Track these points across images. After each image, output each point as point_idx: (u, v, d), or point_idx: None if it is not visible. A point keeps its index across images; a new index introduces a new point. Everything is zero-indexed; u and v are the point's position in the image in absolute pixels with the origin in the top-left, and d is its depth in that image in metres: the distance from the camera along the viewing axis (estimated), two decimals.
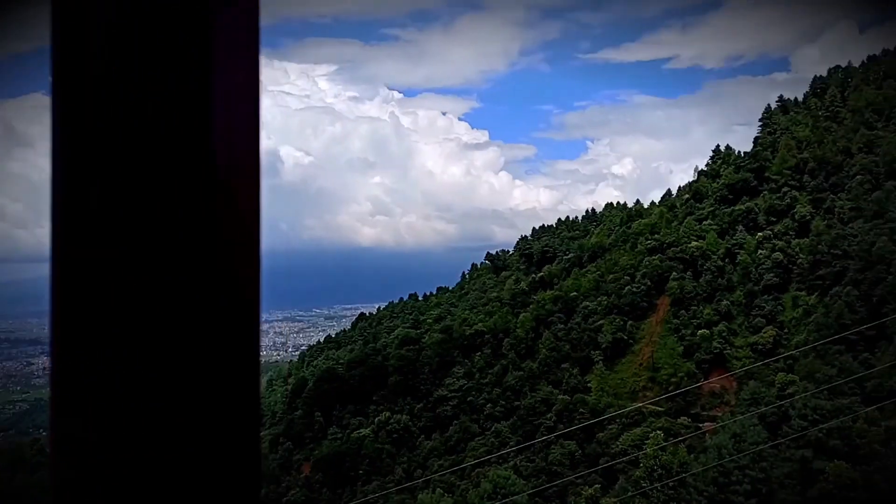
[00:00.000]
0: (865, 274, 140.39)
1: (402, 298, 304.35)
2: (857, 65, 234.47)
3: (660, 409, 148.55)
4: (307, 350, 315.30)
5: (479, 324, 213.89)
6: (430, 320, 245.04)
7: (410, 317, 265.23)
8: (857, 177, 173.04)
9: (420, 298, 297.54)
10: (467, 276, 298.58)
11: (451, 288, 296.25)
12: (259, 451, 1.56)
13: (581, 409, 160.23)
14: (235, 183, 1.45)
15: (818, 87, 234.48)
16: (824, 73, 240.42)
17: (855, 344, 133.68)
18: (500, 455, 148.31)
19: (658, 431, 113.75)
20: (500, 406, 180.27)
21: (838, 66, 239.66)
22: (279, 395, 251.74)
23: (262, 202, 1.59)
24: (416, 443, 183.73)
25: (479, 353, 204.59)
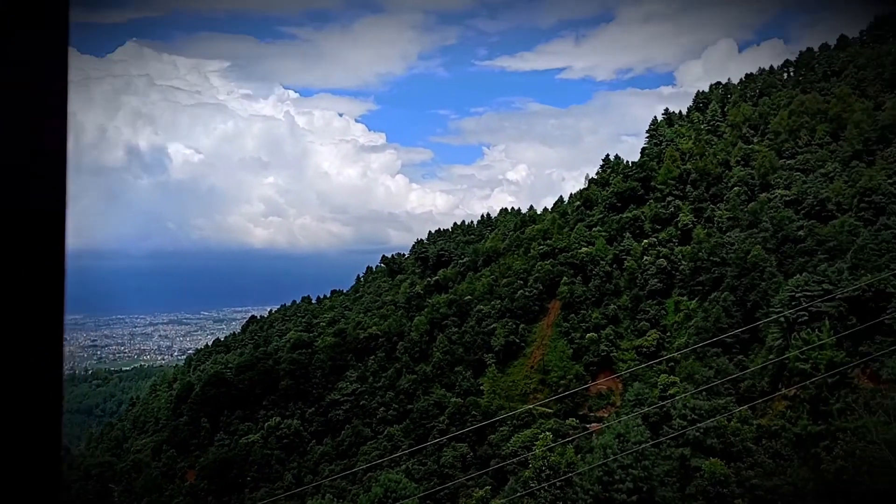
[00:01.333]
0: (741, 280, 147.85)
1: (294, 301, 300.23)
2: (735, 82, 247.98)
3: (549, 410, 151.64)
4: (194, 354, 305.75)
5: (374, 327, 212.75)
6: (324, 323, 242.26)
7: (303, 320, 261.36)
8: (735, 188, 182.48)
9: (313, 301, 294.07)
10: (362, 279, 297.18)
11: (345, 291, 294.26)
12: (60, 454, 1.50)
13: (473, 412, 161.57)
14: (36, 179, 1.39)
15: (700, 101, 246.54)
16: (706, 89, 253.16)
17: (731, 346, 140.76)
18: (393, 458, 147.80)
19: (547, 433, 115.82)
20: (393, 409, 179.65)
21: (719, 83, 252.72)
22: (163, 400, 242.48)
23: (68, 199, 1.53)
24: (307, 448, 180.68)
25: (372, 357, 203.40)
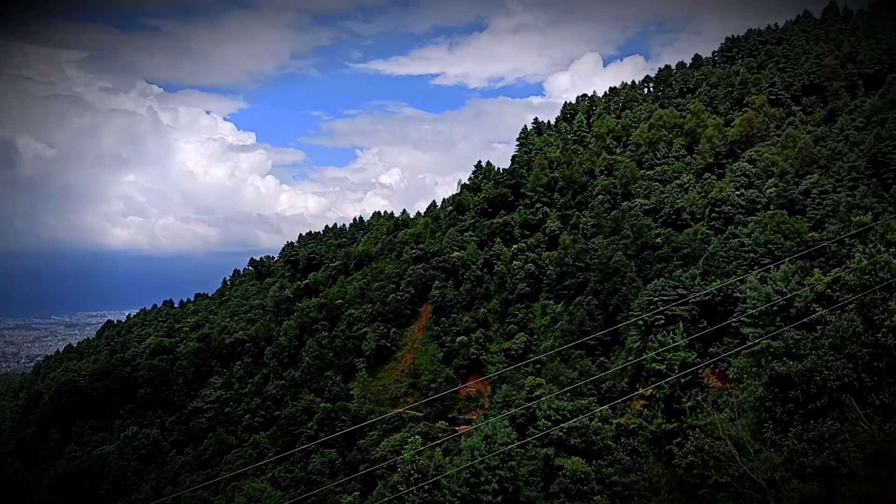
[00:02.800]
0: (604, 285, 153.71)
1: (155, 305, 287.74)
2: (600, 95, 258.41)
3: (419, 414, 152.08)
4: (43, 361, 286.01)
5: (240, 332, 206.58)
6: (187, 328, 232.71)
7: (165, 324, 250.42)
8: (599, 196, 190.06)
9: (176, 305, 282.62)
10: (228, 282, 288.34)
11: (210, 294, 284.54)
12: None
13: (343, 417, 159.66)
14: None
15: (568, 112, 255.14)
16: (573, 100, 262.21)
17: (594, 349, 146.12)
18: (258, 467, 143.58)
19: (417, 436, 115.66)
20: (259, 416, 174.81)
21: (585, 95, 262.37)
22: (8, 411, 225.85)
23: None
24: (167, 458, 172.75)
25: (238, 362, 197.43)
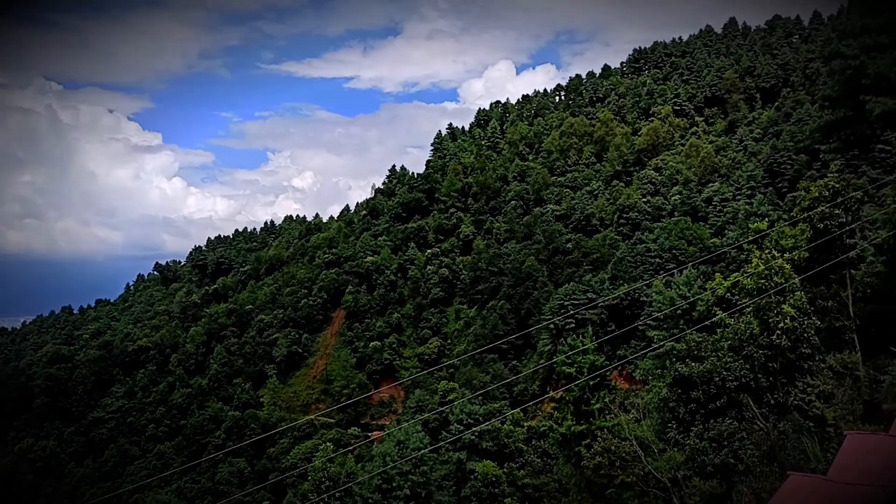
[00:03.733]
0: (516, 289, 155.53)
1: (53, 311, 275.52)
2: (513, 102, 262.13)
3: (331, 420, 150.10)
4: None
5: (144, 339, 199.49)
6: (87, 335, 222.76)
7: (63, 332, 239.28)
8: (512, 202, 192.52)
9: (75, 311, 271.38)
10: (132, 288, 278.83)
11: (112, 300, 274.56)
12: None
13: (252, 425, 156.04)
14: None
15: (482, 118, 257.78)
16: (487, 107, 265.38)
17: (506, 352, 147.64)
18: (163, 478, 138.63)
19: (328, 443, 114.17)
20: (164, 426, 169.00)
21: (498, 102, 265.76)
22: None
23: None
24: (66, 470, 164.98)
25: (142, 371, 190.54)
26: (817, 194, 45.70)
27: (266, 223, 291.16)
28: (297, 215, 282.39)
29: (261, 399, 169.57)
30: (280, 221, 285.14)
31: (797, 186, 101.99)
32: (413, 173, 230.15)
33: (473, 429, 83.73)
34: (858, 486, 20.36)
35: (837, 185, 45.88)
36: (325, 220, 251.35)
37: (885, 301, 45.30)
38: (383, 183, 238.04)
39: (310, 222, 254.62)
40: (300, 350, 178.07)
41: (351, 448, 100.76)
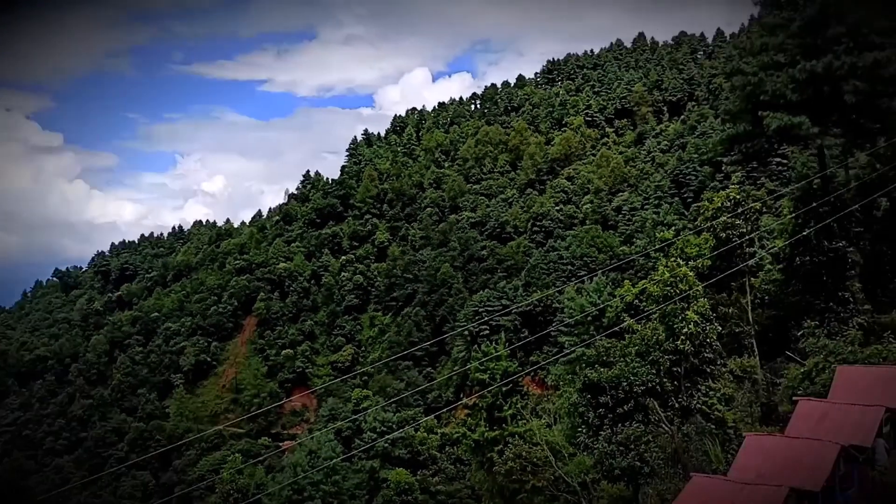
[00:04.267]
0: (431, 296, 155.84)
1: None
2: (430, 109, 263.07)
3: (241, 430, 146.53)
4: None
5: (42, 347, 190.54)
6: None
7: None
8: (428, 209, 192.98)
9: None
10: (30, 295, 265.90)
11: (8, 308, 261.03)
12: None
13: (157, 437, 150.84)
14: None
15: (398, 125, 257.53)
16: (403, 114, 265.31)
17: (420, 359, 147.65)
18: (61, 493, 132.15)
19: (237, 454, 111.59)
20: (62, 439, 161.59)
21: (415, 109, 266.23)
22: None
23: None
24: None
25: (40, 381, 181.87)
26: (720, 204, 47.29)
27: (174, 228, 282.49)
28: (207, 220, 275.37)
29: (167, 410, 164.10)
30: (189, 226, 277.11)
31: (701, 197, 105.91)
32: (328, 179, 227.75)
33: (387, 437, 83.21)
34: (756, 485, 21.02)
35: (738, 196, 47.63)
36: (236, 226, 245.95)
37: (781, 307, 47.31)
38: (297, 188, 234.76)
39: (220, 228, 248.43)
40: (209, 359, 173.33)
41: (261, 459, 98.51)
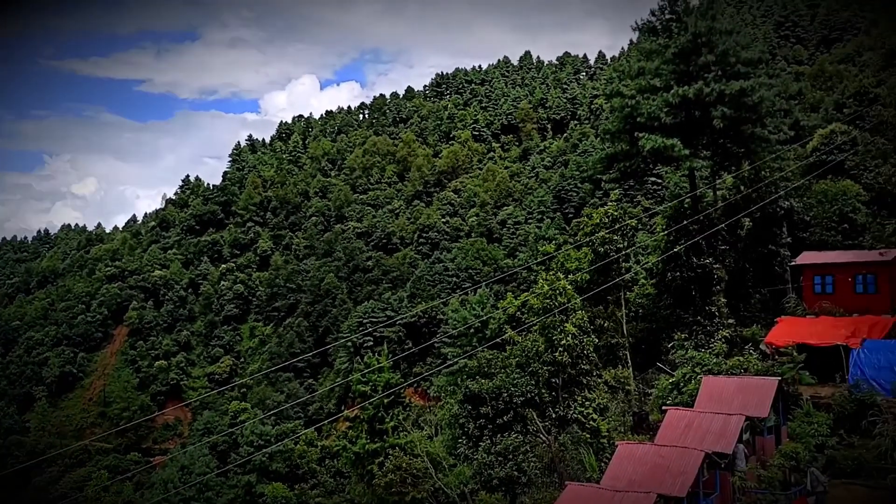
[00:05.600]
0: (315, 306, 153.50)
1: None
2: (317, 117, 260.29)
3: (108, 445, 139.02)
4: None
5: None
6: None
7: None
8: (313, 218, 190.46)
9: None
10: None
11: None
12: None
13: (16, 453, 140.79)
14: None
15: (284, 132, 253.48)
16: (289, 120, 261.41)
17: (302, 371, 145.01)
18: None
19: (103, 471, 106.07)
20: None
21: (301, 116, 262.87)
22: None
23: None
24: None
25: None
26: (598, 221, 48.95)
27: (40, 232, 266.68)
28: (77, 224, 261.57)
29: (27, 424, 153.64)
30: (56, 230, 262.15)
31: (581, 213, 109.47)
32: (209, 184, 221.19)
33: (264, 450, 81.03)
34: (626, 492, 21.67)
35: (616, 213, 49.46)
36: (108, 231, 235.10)
37: (653, 320, 49.40)
38: (175, 193, 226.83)
39: (91, 232, 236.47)
40: (75, 370, 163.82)
41: (129, 475, 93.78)
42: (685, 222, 44.44)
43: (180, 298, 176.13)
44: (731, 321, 42.61)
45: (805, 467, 26.67)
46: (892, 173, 38.04)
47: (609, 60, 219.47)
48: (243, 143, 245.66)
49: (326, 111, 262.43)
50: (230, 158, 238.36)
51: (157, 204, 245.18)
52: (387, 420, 50.94)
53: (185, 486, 65.71)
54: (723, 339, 39.92)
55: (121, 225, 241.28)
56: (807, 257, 42.87)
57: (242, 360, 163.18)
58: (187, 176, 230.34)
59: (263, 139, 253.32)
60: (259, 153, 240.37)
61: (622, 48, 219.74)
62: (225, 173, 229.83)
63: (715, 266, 43.32)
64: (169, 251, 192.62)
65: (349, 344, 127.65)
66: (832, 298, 40.15)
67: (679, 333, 42.06)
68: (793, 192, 47.34)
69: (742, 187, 47.09)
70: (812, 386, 34.26)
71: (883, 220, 41.48)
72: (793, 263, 44.25)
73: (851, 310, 38.79)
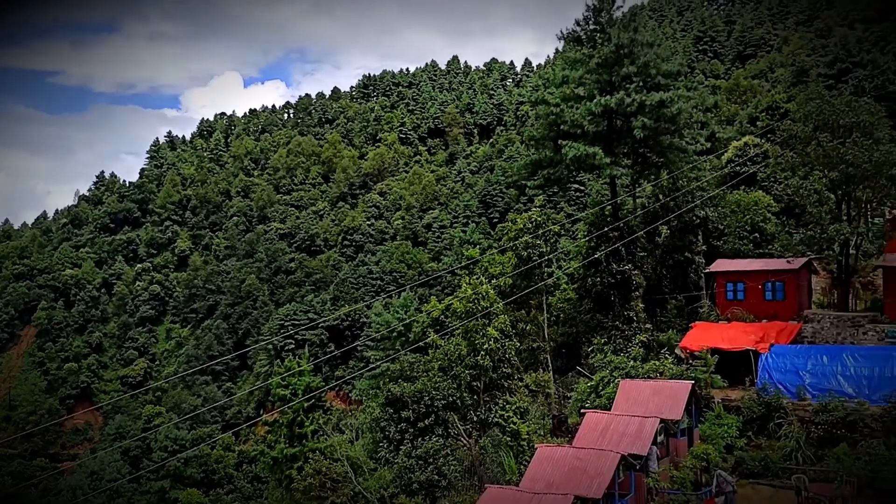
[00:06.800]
0: (235, 308, 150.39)
1: None
2: (240, 115, 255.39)
3: (13, 451, 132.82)
4: None
5: None
6: None
7: None
8: (234, 218, 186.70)
9: None
10: None
11: None
12: None
13: None
14: None
15: (205, 129, 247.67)
16: (211, 118, 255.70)
17: (220, 374, 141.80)
18: None
19: (7, 477, 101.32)
20: None
21: (224, 114, 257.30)
22: None
23: None
24: None
25: None
26: (522, 226, 49.54)
27: None
28: None
29: None
30: None
31: (506, 218, 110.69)
32: (125, 181, 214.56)
33: (179, 455, 78.80)
34: (544, 494, 21.92)
35: (539, 219, 50.16)
36: (16, 227, 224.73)
37: (574, 325, 50.29)
38: (89, 190, 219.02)
39: None
40: None
41: (34, 482, 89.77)
42: (606, 229, 45.40)
43: (93, 299, 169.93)
44: (648, 326, 43.68)
45: (713, 469, 27.54)
46: (799, 185, 39.71)
47: (535, 68, 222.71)
48: (162, 140, 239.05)
49: (250, 109, 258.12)
50: (148, 155, 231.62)
51: (70, 200, 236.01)
52: (307, 424, 50.20)
53: (95, 493, 63.42)
54: (640, 344, 40.87)
55: (30, 221, 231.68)
56: (720, 265, 44.31)
57: (158, 362, 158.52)
58: (102, 172, 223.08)
59: (184, 136, 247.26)
60: (179, 150, 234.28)
61: (548, 56, 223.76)
62: (142, 170, 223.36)
63: (634, 272, 44.36)
64: (81, 249, 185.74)
65: (270, 347, 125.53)
66: (743, 305, 41.59)
67: (598, 338, 42.91)
68: (708, 202, 48.93)
69: (660, 196, 48.40)
70: (723, 389, 35.42)
71: (791, 230, 43.31)
72: (707, 271, 45.69)
73: (761, 316, 40.29)
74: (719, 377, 35.81)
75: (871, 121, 40.89)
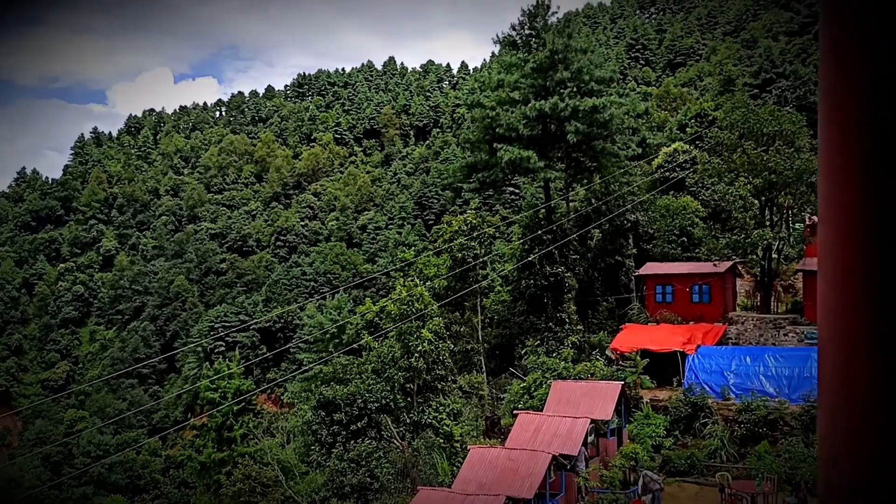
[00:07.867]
0: (163, 309, 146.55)
1: None
2: (170, 112, 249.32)
3: None
4: None
5: None
6: None
7: None
8: (163, 217, 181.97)
9: None
10: None
11: None
12: None
13: None
14: None
15: (133, 126, 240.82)
16: (139, 114, 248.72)
17: (147, 377, 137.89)
18: None
19: None
20: None
21: (153, 110, 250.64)
22: None
23: None
24: None
25: None
26: (457, 228, 49.78)
27: None
28: None
29: None
30: None
31: (442, 220, 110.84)
32: (48, 178, 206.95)
33: (103, 461, 76.32)
34: (476, 495, 21.96)
35: (475, 221, 50.49)
36: None
37: (508, 326, 50.70)
38: (9, 186, 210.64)
39: None
40: None
41: None
42: (540, 232, 45.90)
43: (12, 299, 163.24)
44: (579, 328, 44.34)
45: (639, 469, 28.12)
46: (725, 191, 40.95)
47: (472, 70, 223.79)
48: (87, 136, 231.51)
49: (181, 106, 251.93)
50: (72, 151, 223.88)
51: None
52: (236, 428, 49.29)
53: (15, 501, 60.86)
54: (572, 346, 41.44)
55: None
56: (649, 268, 45.30)
57: (81, 365, 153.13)
58: (24, 168, 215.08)
59: (110, 132, 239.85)
60: (105, 147, 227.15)
61: (484, 59, 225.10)
62: (66, 167, 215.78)
63: (566, 275, 44.97)
64: (0, 248, 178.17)
65: (199, 349, 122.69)
66: (672, 307, 42.61)
67: (532, 339, 43.32)
68: (639, 206, 49.97)
69: (593, 200, 49.23)
70: (652, 390, 36.20)
71: (717, 235, 44.67)
72: (637, 273, 46.67)
73: (688, 318, 41.33)
74: (648, 378, 36.60)
75: (793, 130, 42.46)
